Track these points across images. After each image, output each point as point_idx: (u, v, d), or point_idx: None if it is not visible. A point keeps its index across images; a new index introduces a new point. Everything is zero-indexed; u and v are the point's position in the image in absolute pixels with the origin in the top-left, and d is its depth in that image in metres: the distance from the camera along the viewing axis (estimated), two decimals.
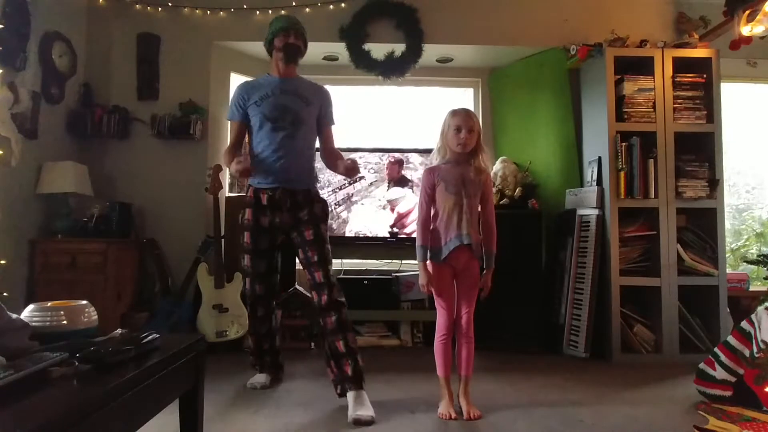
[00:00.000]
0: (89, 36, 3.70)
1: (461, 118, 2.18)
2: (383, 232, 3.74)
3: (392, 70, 3.81)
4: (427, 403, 2.27)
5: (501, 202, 3.59)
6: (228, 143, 2.71)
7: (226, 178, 3.81)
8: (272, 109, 2.41)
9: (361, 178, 3.73)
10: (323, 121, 2.56)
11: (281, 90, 2.46)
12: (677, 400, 2.41)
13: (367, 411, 2.10)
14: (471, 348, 2.21)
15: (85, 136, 3.58)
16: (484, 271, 2.24)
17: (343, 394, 2.24)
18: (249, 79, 4.06)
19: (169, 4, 3.71)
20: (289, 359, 2.92)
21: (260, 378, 2.59)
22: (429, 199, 2.25)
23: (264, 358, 2.62)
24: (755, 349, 2.24)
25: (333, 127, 2.61)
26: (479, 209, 2.25)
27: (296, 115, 2.43)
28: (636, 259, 3.31)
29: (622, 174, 3.28)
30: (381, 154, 3.79)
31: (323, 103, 2.55)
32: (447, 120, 2.23)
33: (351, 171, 2.38)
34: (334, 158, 2.52)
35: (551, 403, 2.34)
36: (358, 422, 2.05)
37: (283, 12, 3.71)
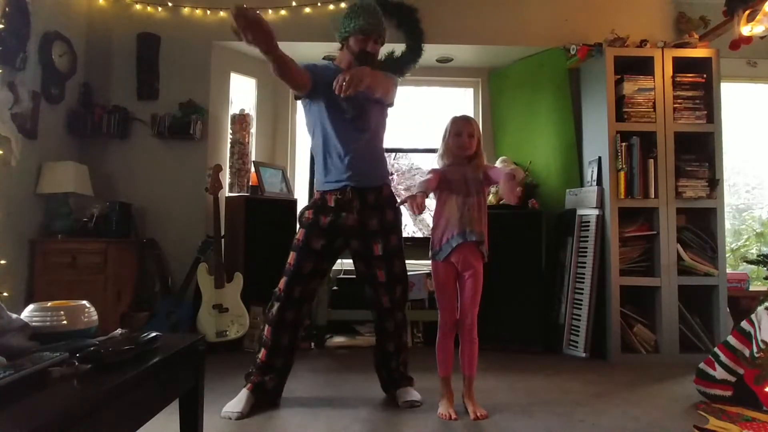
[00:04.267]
0: (89, 36, 3.70)
1: (462, 123, 2.27)
2: None
3: (392, 70, 3.79)
4: (427, 403, 2.27)
5: (501, 202, 3.59)
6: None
7: (226, 178, 3.81)
8: (348, 102, 2.21)
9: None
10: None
11: None
12: (677, 400, 2.41)
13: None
14: (474, 348, 2.21)
15: (85, 136, 3.58)
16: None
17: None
18: (249, 79, 4.16)
19: (169, 4, 3.71)
20: None
21: (239, 404, 2.13)
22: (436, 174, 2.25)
23: (268, 375, 2.24)
24: (755, 349, 2.24)
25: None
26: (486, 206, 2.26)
27: (366, 110, 2.29)
28: (636, 259, 3.31)
29: (622, 174, 3.28)
30: None
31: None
32: (448, 127, 2.30)
33: None
34: None
35: (551, 403, 2.34)
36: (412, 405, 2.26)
37: (283, 12, 3.72)
